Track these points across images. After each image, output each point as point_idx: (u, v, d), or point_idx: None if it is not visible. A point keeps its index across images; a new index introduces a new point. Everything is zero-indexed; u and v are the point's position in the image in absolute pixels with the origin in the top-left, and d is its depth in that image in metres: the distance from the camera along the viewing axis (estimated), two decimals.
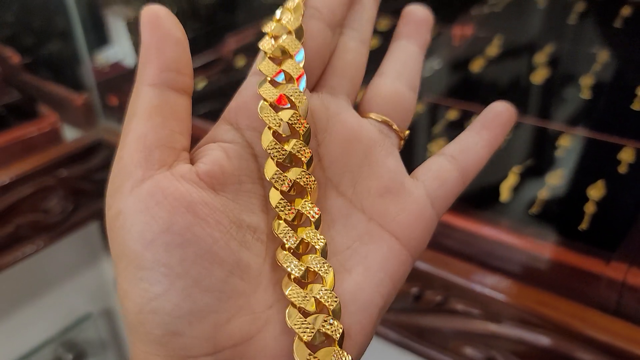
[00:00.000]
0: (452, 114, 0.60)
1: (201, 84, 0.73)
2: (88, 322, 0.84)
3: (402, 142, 0.26)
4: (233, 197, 0.21)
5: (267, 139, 0.22)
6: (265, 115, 0.22)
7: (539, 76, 0.62)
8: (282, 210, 0.21)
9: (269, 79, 0.23)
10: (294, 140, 0.22)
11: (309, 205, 0.22)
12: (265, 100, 0.22)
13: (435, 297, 0.47)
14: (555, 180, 0.51)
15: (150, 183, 0.20)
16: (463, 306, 0.46)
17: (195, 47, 0.83)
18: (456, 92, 0.65)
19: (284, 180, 0.22)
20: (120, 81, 0.75)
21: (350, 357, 0.20)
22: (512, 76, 0.64)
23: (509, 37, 0.67)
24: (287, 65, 0.23)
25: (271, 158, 0.22)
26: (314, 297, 0.20)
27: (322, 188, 0.23)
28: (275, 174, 0.22)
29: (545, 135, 0.57)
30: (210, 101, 0.70)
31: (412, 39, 0.27)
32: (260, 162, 0.22)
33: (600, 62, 0.61)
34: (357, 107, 0.26)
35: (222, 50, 0.78)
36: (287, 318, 0.20)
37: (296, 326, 0.20)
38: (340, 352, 0.20)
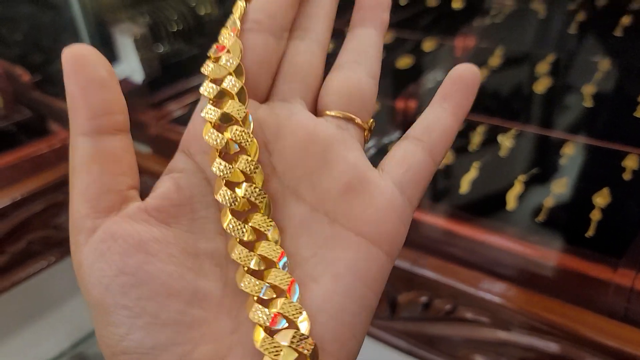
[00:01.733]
0: None
1: None
2: None
3: (368, 133, 0.24)
4: (187, 227, 0.21)
5: (213, 158, 0.21)
6: (209, 135, 0.21)
7: (541, 85, 0.62)
8: (235, 231, 0.21)
9: (210, 100, 0.22)
10: (242, 157, 0.21)
11: (261, 218, 0.21)
12: (209, 121, 0.22)
13: (444, 306, 0.47)
14: (561, 188, 0.51)
15: (100, 231, 0.20)
16: (472, 314, 0.46)
17: (202, 63, 0.84)
18: None
19: (233, 198, 0.21)
20: (128, 97, 0.75)
21: None
22: (515, 86, 0.65)
23: (510, 48, 0.68)
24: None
25: (219, 178, 0.21)
26: (278, 312, 0.20)
27: (281, 197, 0.22)
28: (222, 191, 0.21)
29: (549, 144, 0.57)
30: None
31: (367, 23, 0.25)
32: (213, 186, 0.22)
33: (601, 70, 0.62)
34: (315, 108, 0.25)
35: None
36: (254, 340, 0.19)
37: (264, 348, 0.19)
38: None
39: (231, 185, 0.21)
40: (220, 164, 0.21)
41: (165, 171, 0.23)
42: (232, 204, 0.21)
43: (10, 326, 0.72)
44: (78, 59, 0.20)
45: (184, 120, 0.69)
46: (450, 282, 0.46)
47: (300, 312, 0.20)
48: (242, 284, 0.20)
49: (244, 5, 0.24)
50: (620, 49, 0.64)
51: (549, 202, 0.50)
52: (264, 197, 0.21)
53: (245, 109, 0.22)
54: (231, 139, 0.21)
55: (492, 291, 0.45)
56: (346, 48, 0.25)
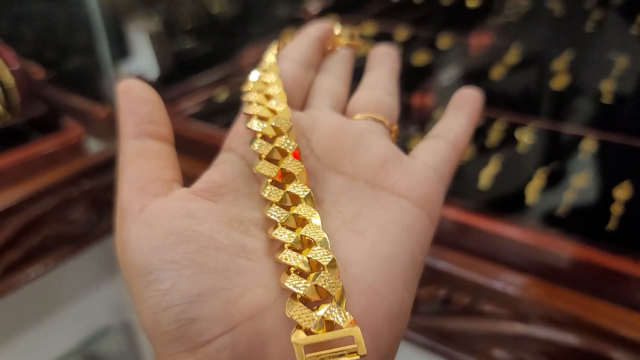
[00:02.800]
0: None
1: (223, 96, 0.74)
2: (109, 335, 0.84)
3: (394, 136, 0.27)
4: (232, 202, 0.22)
5: (254, 140, 0.23)
6: (252, 124, 0.24)
7: (558, 82, 0.62)
8: (271, 194, 0.22)
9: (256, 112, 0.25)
10: (279, 137, 0.23)
11: (297, 185, 0.22)
12: (250, 115, 0.24)
13: (464, 300, 0.47)
14: (581, 183, 0.51)
15: (148, 208, 0.21)
16: (491, 307, 0.46)
17: (215, 60, 0.85)
18: None
19: (271, 168, 0.23)
20: None
21: (349, 316, 0.18)
22: (533, 83, 0.65)
23: (526, 46, 0.68)
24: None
25: (259, 157, 0.23)
26: (308, 257, 0.20)
27: (320, 172, 0.24)
28: (264, 164, 0.23)
29: (568, 140, 0.57)
30: (233, 112, 0.71)
31: (380, 66, 0.30)
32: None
33: (619, 68, 0.62)
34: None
35: (241, 62, 0.79)
36: (281, 279, 0.20)
37: (289, 284, 0.19)
38: (339, 309, 0.19)
39: (270, 162, 0.23)
40: (261, 142, 0.23)
41: (209, 167, 0.24)
42: (271, 173, 0.23)
43: (23, 322, 0.72)
44: (129, 85, 0.24)
45: (198, 116, 0.70)
46: (469, 276, 0.46)
47: (330, 258, 0.20)
48: (274, 233, 0.21)
49: (277, 46, 0.29)
50: (637, 46, 0.64)
51: (568, 196, 0.50)
52: (300, 167, 0.23)
53: (289, 121, 0.24)
54: (272, 124, 0.24)
55: (512, 284, 0.45)
56: (365, 78, 0.29)
